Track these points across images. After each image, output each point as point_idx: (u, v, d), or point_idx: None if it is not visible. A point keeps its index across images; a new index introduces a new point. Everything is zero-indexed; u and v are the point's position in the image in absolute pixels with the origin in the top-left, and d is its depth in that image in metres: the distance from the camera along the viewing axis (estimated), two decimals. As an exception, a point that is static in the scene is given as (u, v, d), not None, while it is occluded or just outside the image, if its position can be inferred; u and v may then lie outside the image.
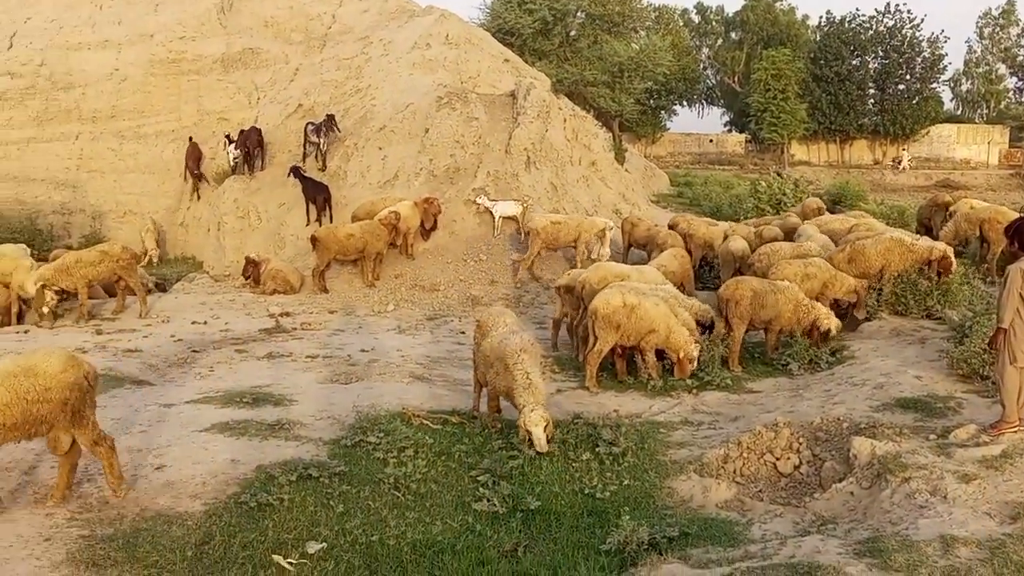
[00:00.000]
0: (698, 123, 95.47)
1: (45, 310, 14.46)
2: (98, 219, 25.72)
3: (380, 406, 9.95)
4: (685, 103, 66.32)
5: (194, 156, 23.64)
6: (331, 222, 19.15)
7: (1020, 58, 64.83)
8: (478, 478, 8.04)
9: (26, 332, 14.00)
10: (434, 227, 18.59)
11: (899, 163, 51.27)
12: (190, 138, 24.12)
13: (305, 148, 21.38)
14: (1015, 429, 7.00)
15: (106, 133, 26.56)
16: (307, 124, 21.50)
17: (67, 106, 26.92)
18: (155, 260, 22.84)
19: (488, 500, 7.55)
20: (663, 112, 60.15)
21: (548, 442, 8.42)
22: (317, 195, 19.84)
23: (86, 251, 15.90)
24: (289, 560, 6.51)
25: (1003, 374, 7.08)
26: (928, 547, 5.46)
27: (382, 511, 7.39)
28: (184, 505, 7.44)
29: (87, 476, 7.91)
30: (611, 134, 35.80)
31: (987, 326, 8.74)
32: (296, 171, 20.03)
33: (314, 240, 17.04)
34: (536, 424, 8.36)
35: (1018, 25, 65.86)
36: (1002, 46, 66.23)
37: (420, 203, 17.93)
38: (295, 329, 14.41)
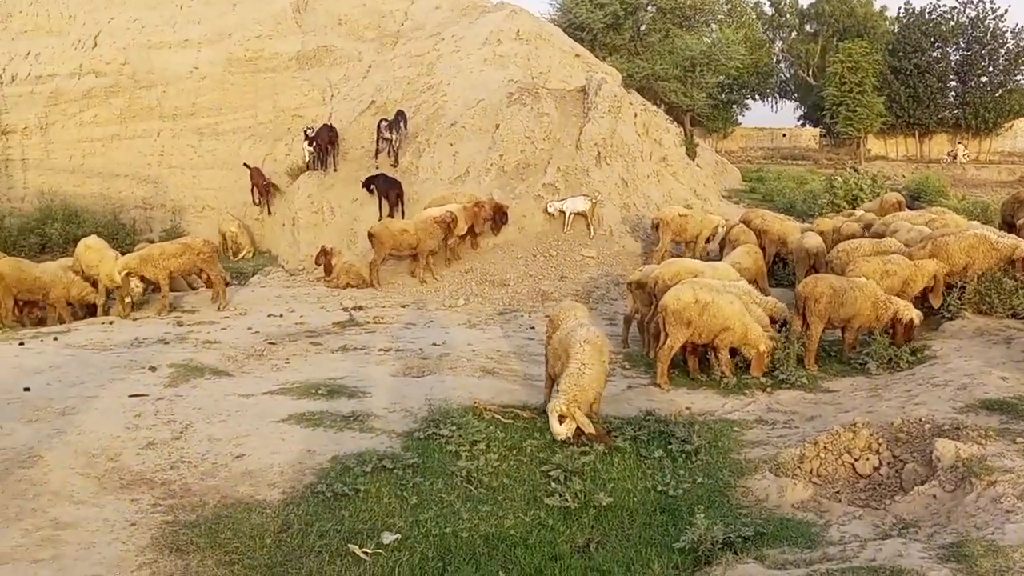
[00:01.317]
0: (771, 117, 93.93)
1: (128, 299, 14.92)
2: (178, 214, 26.47)
3: (452, 399, 10.03)
4: (758, 97, 65.22)
5: (259, 180, 23.98)
6: (403, 218, 19.36)
7: (1112, 48, 62.18)
8: (550, 473, 8.06)
9: (111, 323, 14.45)
10: (504, 223, 18.61)
11: (954, 157, 49.76)
12: (245, 164, 24.45)
13: (378, 144, 21.63)
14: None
15: (186, 130, 27.27)
16: (380, 121, 21.73)
17: (149, 104, 27.71)
18: (249, 255, 23.32)
19: (560, 495, 7.56)
20: (735, 106, 59.26)
21: (587, 432, 8.49)
22: (390, 190, 20.05)
23: (169, 243, 16.44)
24: (365, 550, 6.61)
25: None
26: (1015, 552, 5.30)
27: (455, 504, 7.46)
28: (263, 493, 7.61)
29: (171, 464, 8.15)
30: (682, 129, 35.43)
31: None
32: (367, 180, 20.26)
33: (370, 235, 17.31)
34: (552, 411, 8.45)
35: (1110, 14, 63.11)
36: (1092, 36, 63.61)
37: (469, 207, 17.97)
38: (368, 323, 14.59)
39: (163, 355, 11.82)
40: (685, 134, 35.26)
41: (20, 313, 15.35)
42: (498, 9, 27.24)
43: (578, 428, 8.47)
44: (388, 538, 6.81)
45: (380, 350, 12.62)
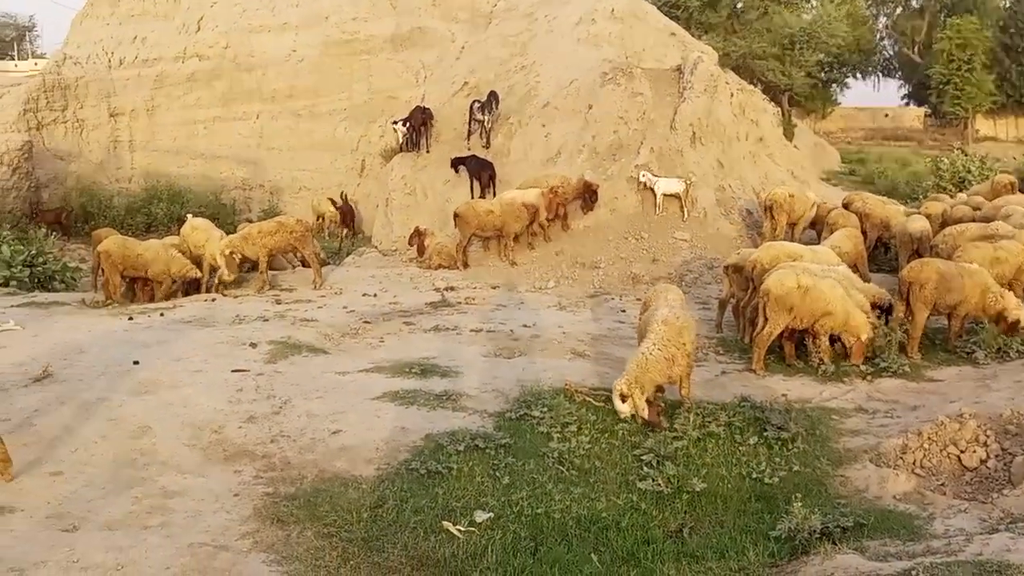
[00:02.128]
0: (873, 96, 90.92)
1: (229, 277, 15.38)
2: (276, 194, 27.13)
3: (543, 381, 10.07)
4: (859, 75, 63.13)
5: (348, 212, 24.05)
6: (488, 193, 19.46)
7: None
8: (642, 457, 8.02)
9: (213, 300, 14.92)
10: (594, 201, 18.46)
11: None
12: (332, 200, 24.43)
13: (470, 126, 21.71)
14: None
15: (284, 112, 27.90)
16: (473, 102, 21.80)
17: (249, 87, 28.43)
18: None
19: (652, 479, 7.52)
20: (835, 85, 57.53)
21: (650, 415, 8.58)
22: (482, 172, 20.12)
23: (265, 222, 16.87)
24: (458, 527, 6.70)
25: None
26: None
27: (547, 485, 7.49)
28: (359, 469, 7.79)
29: (271, 438, 8.39)
30: (779, 109, 34.61)
31: None
32: (456, 161, 20.40)
33: (456, 215, 17.39)
34: (615, 389, 8.48)
35: None
36: None
37: (546, 193, 17.82)
38: (459, 303, 14.72)
39: (262, 332, 12.16)
40: (783, 114, 34.46)
41: (132, 290, 15.98)
42: (591, -12, 26.95)
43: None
44: (481, 516, 6.89)
45: (471, 331, 12.72)
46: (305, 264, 17.20)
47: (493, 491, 7.36)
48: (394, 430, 8.59)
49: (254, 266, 16.20)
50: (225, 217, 24.49)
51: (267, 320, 13.04)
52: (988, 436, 7.52)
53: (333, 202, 23.51)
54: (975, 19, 49.04)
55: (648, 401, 8.59)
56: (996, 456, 7.36)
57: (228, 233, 16.86)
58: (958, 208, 15.87)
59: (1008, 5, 55.41)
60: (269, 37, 28.64)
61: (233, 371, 10.23)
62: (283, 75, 28.06)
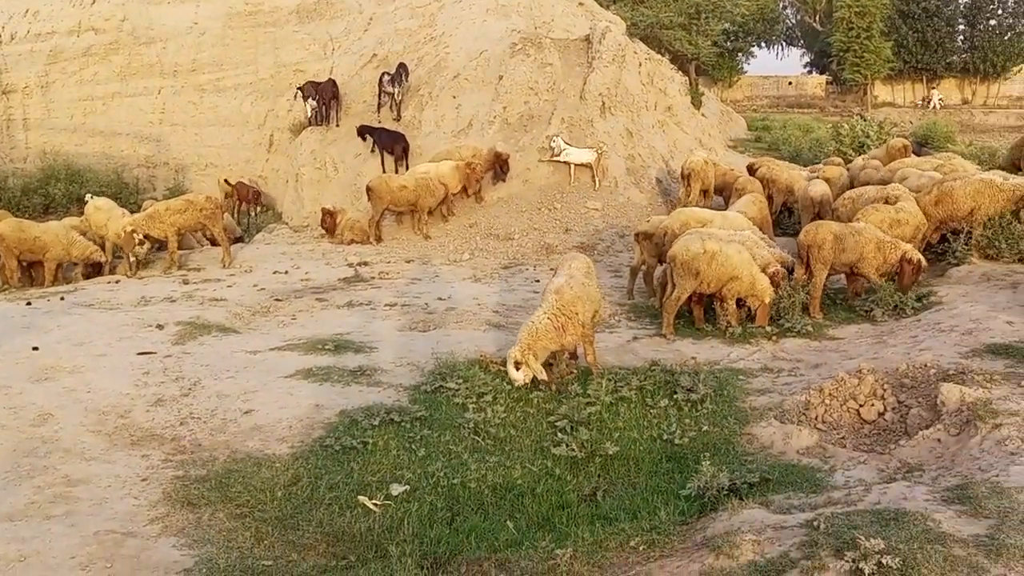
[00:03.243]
0: (777, 65, 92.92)
1: (132, 258, 14.95)
2: (181, 172, 26.37)
3: (458, 353, 10.09)
4: (763, 44, 64.46)
5: (244, 194, 22.97)
6: (407, 170, 19.29)
7: (1124, -12, 61.16)
8: (556, 424, 8.12)
9: (117, 282, 14.49)
10: (505, 172, 18.47)
11: (929, 102, 49.34)
12: (227, 181, 23.35)
13: (380, 98, 21.43)
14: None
15: (187, 87, 27.07)
16: (382, 74, 21.51)
17: (149, 61, 27.50)
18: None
19: (567, 445, 7.62)
20: (740, 54, 58.56)
21: (542, 379, 8.73)
22: (395, 144, 19.91)
23: (173, 200, 16.42)
24: (375, 501, 6.69)
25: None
26: (1020, 494, 5.32)
27: (463, 455, 7.54)
28: (272, 448, 7.70)
29: (180, 420, 8.22)
30: (687, 78, 35.05)
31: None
32: (364, 129, 20.14)
33: (368, 189, 17.21)
34: (509, 357, 8.61)
35: (1122, -48, 62.08)
36: (1104, -24, 62.56)
37: (462, 167, 17.79)
38: (373, 278, 14.61)
39: (170, 313, 11.88)
40: (690, 83, 34.89)
41: (31, 275, 15.42)
42: (500, -42, 26.78)
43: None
44: (397, 489, 6.90)
45: (386, 305, 12.65)
46: (214, 243, 16.83)
47: (409, 464, 7.37)
48: (308, 407, 8.51)
49: (161, 246, 15.77)
50: (128, 196, 23.74)
51: (174, 301, 12.74)
52: (885, 390, 7.82)
53: (227, 181, 22.82)
54: (873, -13, 50.32)
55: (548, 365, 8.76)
56: (893, 409, 7.65)
57: (132, 213, 16.36)
58: (867, 171, 16.31)
59: (904, -26, 57.01)
60: (168, 9, 27.71)
61: (139, 354, 9.98)
62: (185, 48, 27.21)
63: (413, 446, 7.67)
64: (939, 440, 6.77)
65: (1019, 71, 54.23)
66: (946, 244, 12.95)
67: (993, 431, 6.36)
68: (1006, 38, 53.73)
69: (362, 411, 8.30)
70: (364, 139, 20.20)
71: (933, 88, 52.14)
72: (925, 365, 7.94)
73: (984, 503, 5.27)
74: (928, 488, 5.80)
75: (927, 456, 6.69)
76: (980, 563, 4.52)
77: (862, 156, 19.82)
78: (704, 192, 17.77)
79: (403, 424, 8.05)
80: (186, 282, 14.22)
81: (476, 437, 7.89)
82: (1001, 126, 41.96)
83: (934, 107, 47.85)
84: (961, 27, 55.39)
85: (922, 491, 5.73)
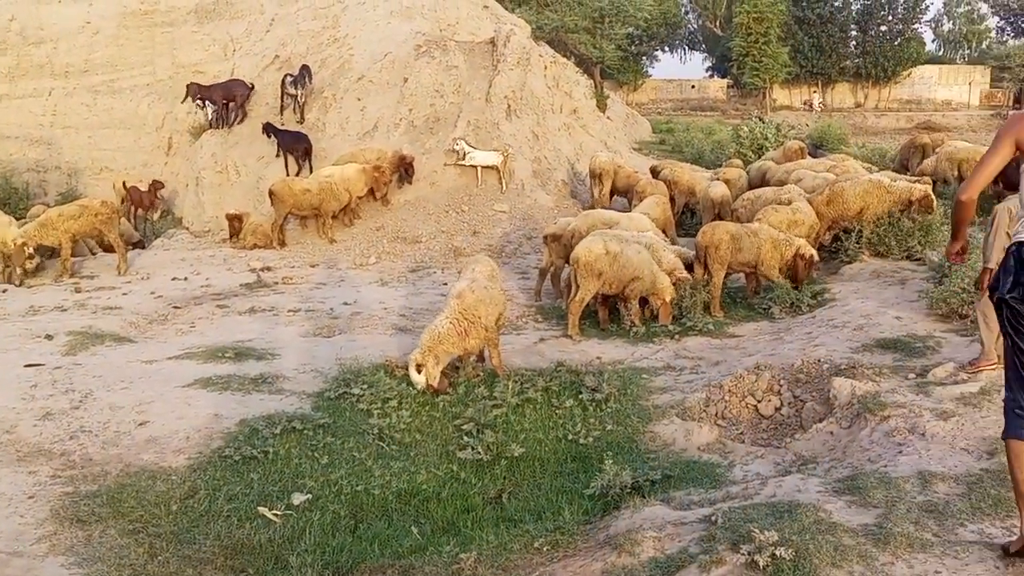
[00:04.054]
0: (680, 69, 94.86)
1: (20, 270, 14.32)
2: (74, 176, 25.33)
3: (363, 358, 9.97)
4: (667, 49, 65.87)
5: (137, 198, 21.74)
6: (311, 173, 19.00)
7: (1002, -3, 64.45)
8: (462, 427, 8.08)
9: (3, 291, 13.86)
10: (411, 174, 18.39)
11: (810, 106, 51.49)
12: (124, 185, 21.86)
13: (283, 100, 21.04)
14: (993, 367, 7.06)
15: (79, 88, 26.07)
16: (285, 76, 21.12)
17: (39, 61, 26.38)
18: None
19: (472, 448, 7.59)
20: (644, 58, 59.70)
21: (440, 383, 8.79)
22: (297, 145, 19.58)
23: (67, 205, 15.77)
24: (275, 512, 6.55)
25: (988, 312, 7.02)
26: (906, 483, 5.52)
27: (367, 461, 7.44)
28: (168, 460, 7.46)
29: (70, 434, 7.90)
30: (592, 81, 35.46)
31: (965, 266, 8.70)
32: (269, 127, 19.78)
33: (271, 193, 16.88)
34: (410, 361, 8.67)
35: (1001, -37, 65.44)
36: (984, -15, 65.86)
37: (369, 169, 17.62)
38: (276, 283, 14.33)
39: (60, 323, 11.42)
40: (595, 86, 35.31)
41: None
42: (404, -41, 26.62)
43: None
44: (298, 499, 6.77)
45: (289, 311, 12.42)
46: (109, 249, 16.25)
47: (311, 472, 7.24)
48: (206, 417, 8.28)
49: (53, 252, 15.16)
50: (17, 202, 22.68)
51: (65, 310, 12.26)
52: (782, 385, 8.03)
53: (125, 185, 22.02)
54: (770, -6, 51.83)
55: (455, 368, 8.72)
56: (789, 403, 7.86)
57: (19, 219, 15.68)
58: (774, 171, 16.67)
59: (800, -20, 58.90)
60: (59, 8, 26.63)
61: (26, 366, 9.56)
62: (77, 49, 26.20)
63: (316, 454, 7.54)
64: (832, 433, 6.98)
65: (908, 75, 56.61)
66: (839, 243, 13.40)
67: (882, 423, 6.58)
68: (896, 43, 56.07)
69: (263, 420, 8.11)
70: (269, 136, 19.80)
71: (814, 92, 54.25)
72: (819, 361, 8.19)
73: (872, 493, 5.44)
74: (821, 480, 5.96)
75: (820, 449, 6.89)
76: (869, 551, 4.66)
77: (761, 158, 20.36)
78: (612, 193, 18.14)
79: (305, 432, 7.90)
80: (78, 290, 13.69)
81: (381, 443, 7.80)
82: (892, 128, 43.70)
83: (816, 111, 49.69)
84: (854, 33, 57.55)
85: (815, 483, 5.89)
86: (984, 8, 66.94)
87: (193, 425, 8.10)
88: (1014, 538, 4.63)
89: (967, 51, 67.95)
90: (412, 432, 8.04)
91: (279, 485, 7.00)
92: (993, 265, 6.75)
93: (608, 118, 31.26)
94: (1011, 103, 55.12)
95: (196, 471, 7.21)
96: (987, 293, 6.72)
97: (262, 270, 15.18)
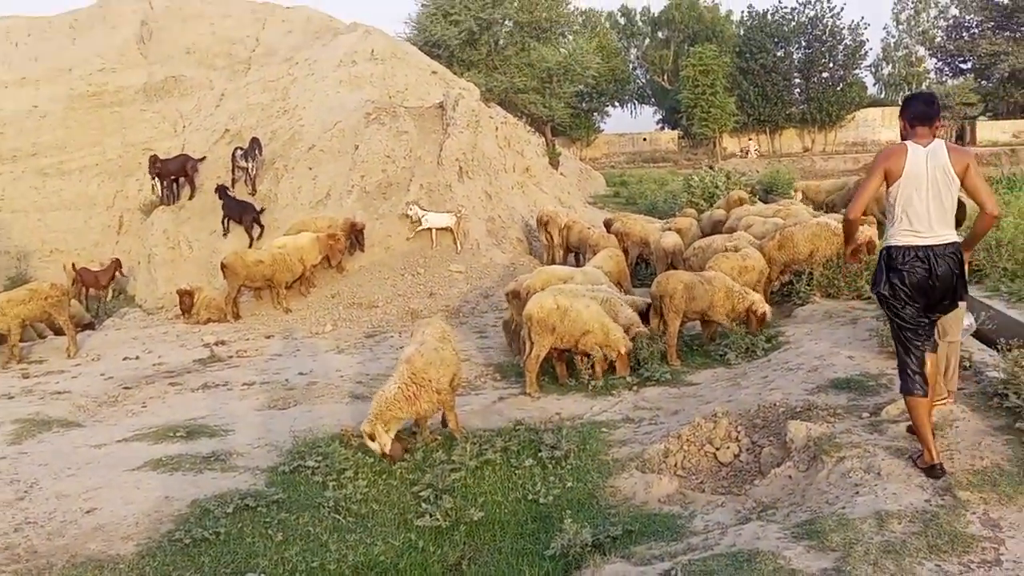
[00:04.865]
0: (632, 123, 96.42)
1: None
2: (23, 259, 25.02)
3: (318, 429, 9.79)
4: (617, 104, 66.99)
5: (88, 279, 21.80)
6: (259, 240, 18.91)
7: (938, 40, 66.59)
8: (420, 494, 7.93)
9: (-50, 380, 13.52)
10: (361, 241, 18.39)
11: (746, 153, 52.82)
12: (74, 266, 22.13)
13: (234, 173, 21.04)
14: (944, 402, 7.07)
15: (28, 171, 25.93)
16: (235, 149, 21.17)
17: (-15, 147, 26.25)
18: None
19: (431, 515, 7.44)
20: (595, 114, 60.66)
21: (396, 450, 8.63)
22: (244, 215, 19.54)
23: (15, 291, 15.48)
24: (225, 595, 6.33)
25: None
26: (864, 524, 5.48)
27: (322, 536, 7.25)
28: (116, 548, 7.21)
29: (14, 527, 7.63)
30: (544, 139, 35.92)
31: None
32: (221, 189, 19.74)
33: (223, 266, 16.76)
34: (363, 431, 8.50)
35: (935, 7, 67.74)
36: (919, 29, 68.06)
37: (323, 239, 17.58)
38: (231, 357, 14.12)
39: (6, 410, 11.13)
40: (547, 144, 35.77)
41: None
42: (351, 31, 26.98)
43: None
44: (250, 580, 6.56)
45: (244, 384, 12.22)
46: (60, 332, 15.95)
47: (265, 551, 7.03)
48: (156, 501, 8.04)
49: (1, 338, 14.85)
50: (-35, 288, 22.30)
51: (12, 397, 11.96)
52: (739, 432, 7.98)
53: (75, 267, 21.71)
54: (714, 47, 53.32)
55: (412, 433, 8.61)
56: (747, 450, 7.81)
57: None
58: (746, 219, 16.65)
59: (742, 32, 60.60)
60: (6, 93, 26.64)
61: (-30, 458, 9.26)
62: (25, 132, 26.13)
63: (270, 531, 7.33)
64: (790, 477, 6.93)
65: (852, 118, 58.05)
66: (791, 285, 13.52)
67: (838, 464, 6.55)
68: (838, 89, 57.60)
69: (215, 499, 7.90)
70: (221, 200, 19.75)
71: (750, 140, 55.61)
72: (775, 404, 8.17)
73: (831, 536, 5.39)
74: (780, 526, 5.90)
75: (780, 493, 6.83)
76: (827, 597, 4.60)
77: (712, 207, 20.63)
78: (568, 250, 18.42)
79: (259, 509, 7.70)
80: (26, 376, 13.39)
81: (336, 515, 7.62)
82: (839, 170, 44.51)
83: (752, 157, 50.86)
84: (797, 80, 59.07)
85: (774, 529, 5.83)
86: (921, 51, 69.08)
87: (142, 509, 7.86)
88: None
89: (908, 92, 69.81)
90: (368, 502, 7.87)
91: (231, 567, 6.78)
92: None
93: (561, 174, 31.59)
94: (953, 139, 56.63)
95: (145, 558, 6.97)
96: (937, 329, 6.84)
97: (216, 344, 14.97)
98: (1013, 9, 59.04)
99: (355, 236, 18.26)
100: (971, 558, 4.99)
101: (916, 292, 6.07)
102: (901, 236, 6.12)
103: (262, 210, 19.85)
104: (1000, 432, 6.65)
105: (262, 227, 19.59)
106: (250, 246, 19.00)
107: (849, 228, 6.67)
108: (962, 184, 6.10)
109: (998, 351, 7.89)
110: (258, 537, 7.25)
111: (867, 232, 13.23)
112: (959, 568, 4.86)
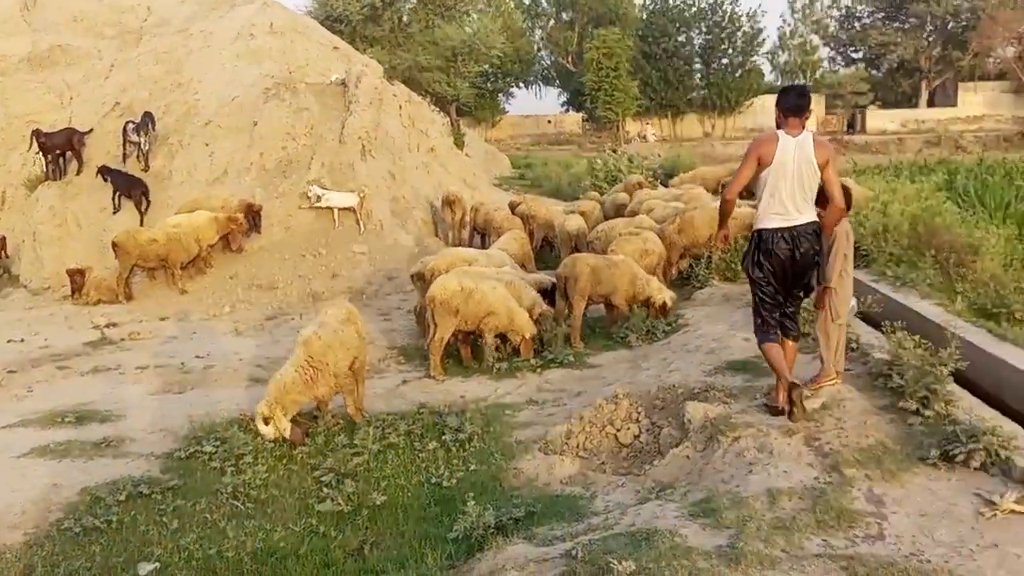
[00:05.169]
0: (537, 104, 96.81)
1: None
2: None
3: (216, 414, 9.57)
4: (522, 85, 67.10)
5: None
6: (147, 216, 18.32)
7: (831, 29, 68.85)
8: (321, 479, 7.83)
9: None
10: (258, 223, 17.94)
11: (644, 137, 54.19)
12: None
13: (125, 148, 20.24)
14: (833, 382, 7.35)
15: (-96, 145, 24.35)
16: (126, 123, 20.36)
17: None
18: None
19: (332, 500, 7.35)
20: (501, 95, 60.64)
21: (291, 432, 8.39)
22: (132, 189, 18.87)
23: None
24: (118, 585, 6.14)
25: (826, 330, 7.35)
26: (756, 502, 5.66)
27: (220, 522, 7.08)
28: (2, 537, 6.92)
29: None
30: (449, 119, 35.74)
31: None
32: (104, 169, 19.01)
33: (114, 245, 16.14)
34: (257, 413, 8.29)
35: (827, -3, 69.95)
36: (813, 18, 70.22)
37: (222, 219, 17.06)
38: (123, 340, 13.65)
39: None
40: (452, 124, 35.59)
41: None
42: (249, 2, 26.17)
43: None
44: (145, 569, 6.37)
45: (137, 368, 11.84)
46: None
47: (160, 539, 6.83)
48: (44, 488, 7.74)
49: None
50: None
51: None
52: (640, 413, 8.13)
53: None
54: (617, 30, 53.88)
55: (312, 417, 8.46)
56: (647, 430, 7.96)
57: None
58: (647, 203, 16.88)
59: (645, 17, 61.42)
60: None
61: None
62: None
63: (164, 519, 7.13)
64: (688, 457, 7.10)
65: (751, 105, 59.58)
66: (690, 268, 13.83)
67: (733, 444, 6.74)
68: (737, 75, 59.04)
69: (107, 486, 7.64)
70: (105, 180, 19.02)
71: (647, 124, 56.76)
72: (674, 386, 8.36)
73: (725, 514, 5.55)
74: (677, 505, 6.04)
75: (678, 473, 6.99)
76: (722, 572, 4.74)
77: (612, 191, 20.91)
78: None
79: (153, 496, 7.49)
80: (-100, 362, 12.68)
81: (235, 501, 7.46)
82: (738, 156, 45.59)
83: (649, 141, 52.05)
84: (698, 66, 60.27)
85: (672, 508, 5.97)
86: (816, 40, 71.30)
87: (29, 497, 7.56)
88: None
89: (803, 80, 72.03)
90: (268, 488, 7.73)
91: (124, 556, 6.57)
92: (832, 284, 7.10)
93: (467, 155, 31.52)
94: (845, 128, 58.78)
95: (33, 547, 6.70)
96: (826, 311, 7.13)
97: (107, 326, 14.44)
98: (902, 1, 61.47)
99: (252, 217, 17.80)
100: (856, 533, 5.20)
101: (780, 271, 6.90)
102: (769, 219, 6.81)
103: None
104: (884, 411, 6.95)
105: (149, 202, 18.94)
106: (141, 223, 18.36)
107: (725, 208, 7.34)
108: (820, 175, 6.71)
109: (883, 333, 8.23)
110: (152, 525, 7.05)
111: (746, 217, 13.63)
112: (845, 543, 5.06)
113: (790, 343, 7.25)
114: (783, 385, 6.93)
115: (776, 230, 6.79)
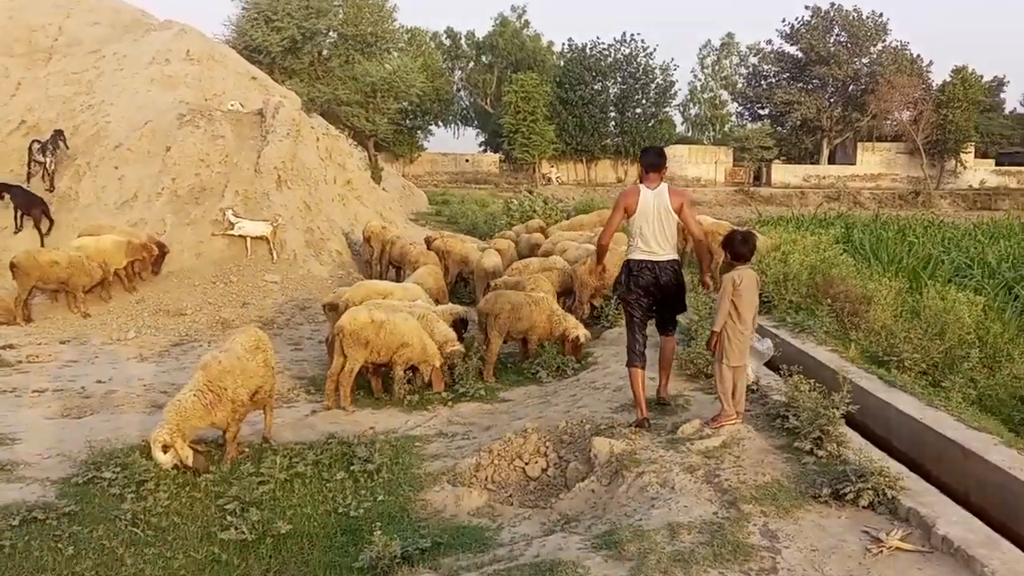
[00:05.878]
0: (455, 143, 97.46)
1: None
2: None
3: (117, 439, 9.33)
4: (441, 124, 67.61)
5: None
6: (47, 235, 17.80)
7: (739, 86, 71.46)
8: (225, 506, 7.71)
9: None
10: (160, 261, 17.48)
11: (549, 180, 55.80)
12: None
13: (30, 167, 19.64)
14: (732, 422, 7.66)
15: None
16: (32, 142, 19.80)
17: None
18: None
19: (236, 528, 7.25)
20: (419, 132, 60.92)
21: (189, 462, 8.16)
22: (31, 207, 18.35)
23: None
24: (8, 613, 5.95)
25: (719, 373, 7.76)
26: (657, 535, 5.84)
27: (118, 550, 6.92)
28: None
29: None
30: (367, 153, 35.77)
31: (708, 330, 9.42)
32: (4, 186, 18.46)
33: (12, 266, 15.59)
34: (154, 440, 8.04)
35: (736, 55, 72.71)
36: (723, 74, 72.89)
37: (135, 244, 16.62)
38: (20, 362, 13.18)
39: None
40: (370, 159, 35.63)
41: None
42: (165, 28, 25.85)
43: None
44: (37, 596, 6.19)
45: (34, 391, 11.45)
46: None
47: (54, 566, 6.64)
48: (-69, 513, 7.43)
49: None
50: None
51: None
52: (548, 447, 8.28)
53: None
54: (535, 75, 54.87)
55: (195, 448, 8.35)
56: (555, 464, 8.11)
57: None
58: (561, 244, 17.12)
59: (562, 64, 62.72)
60: None
61: None
62: None
63: (60, 545, 6.92)
64: (593, 491, 7.27)
65: (662, 154, 61.26)
66: (600, 309, 14.13)
67: (637, 479, 6.94)
68: (650, 124, 60.65)
69: (-1, 511, 7.39)
70: (2, 198, 18.45)
71: (552, 168, 58.23)
72: (581, 421, 8.54)
73: (627, 546, 5.71)
74: (581, 537, 6.19)
75: (583, 506, 7.15)
76: (623, 602, 4.88)
77: (519, 228, 21.44)
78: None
79: (48, 522, 7.27)
80: None
81: (134, 529, 7.29)
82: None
83: (555, 184, 53.41)
84: (613, 114, 61.74)
85: (576, 540, 6.11)
86: (725, 95, 73.94)
87: (-87, 525, 7.24)
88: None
89: (712, 133, 74.55)
90: (170, 515, 7.58)
91: (15, 583, 6.37)
92: (718, 328, 7.63)
93: (384, 189, 31.57)
94: (751, 180, 60.90)
95: (-85, 575, 6.44)
96: (719, 354, 7.50)
97: (3, 348, 13.92)
98: (806, 63, 64.32)
99: (156, 259, 17.31)
100: (751, 566, 5.43)
101: (644, 292, 8.23)
102: (636, 253, 8.21)
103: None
104: (781, 451, 7.27)
105: (51, 221, 18.44)
106: (41, 243, 17.82)
107: (600, 250, 9.05)
108: (678, 216, 8.11)
109: (781, 376, 8.60)
110: (47, 551, 6.84)
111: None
112: (739, 575, 5.27)
113: (668, 338, 8.80)
114: (640, 414, 8.22)
115: (642, 261, 8.16)
